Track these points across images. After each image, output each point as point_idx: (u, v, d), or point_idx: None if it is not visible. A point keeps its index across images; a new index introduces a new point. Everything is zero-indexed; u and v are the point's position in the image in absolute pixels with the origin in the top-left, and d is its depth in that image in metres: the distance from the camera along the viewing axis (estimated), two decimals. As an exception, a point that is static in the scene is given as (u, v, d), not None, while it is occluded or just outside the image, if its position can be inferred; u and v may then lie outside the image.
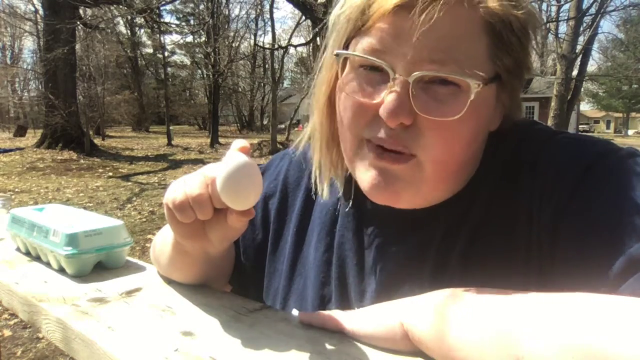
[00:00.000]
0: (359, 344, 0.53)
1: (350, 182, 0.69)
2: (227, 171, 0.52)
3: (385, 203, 0.60)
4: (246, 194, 0.52)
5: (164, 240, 0.75)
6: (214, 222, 0.58)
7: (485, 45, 0.54)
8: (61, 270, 0.82)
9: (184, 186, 0.56)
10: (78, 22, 15.16)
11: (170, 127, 22.62)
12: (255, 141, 18.07)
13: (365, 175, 0.59)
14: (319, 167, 0.69)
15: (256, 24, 37.79)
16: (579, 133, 0.74)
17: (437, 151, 0.55)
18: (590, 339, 0.37)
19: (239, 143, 0.56)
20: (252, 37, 37.39)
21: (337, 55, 0.59)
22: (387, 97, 0.54)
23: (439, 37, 0.52)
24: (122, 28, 35.75)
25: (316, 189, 0.71)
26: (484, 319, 0.45)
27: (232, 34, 32.76)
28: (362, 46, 0.56)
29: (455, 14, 0.51)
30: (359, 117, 0.57)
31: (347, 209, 0.70)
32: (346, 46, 0.59)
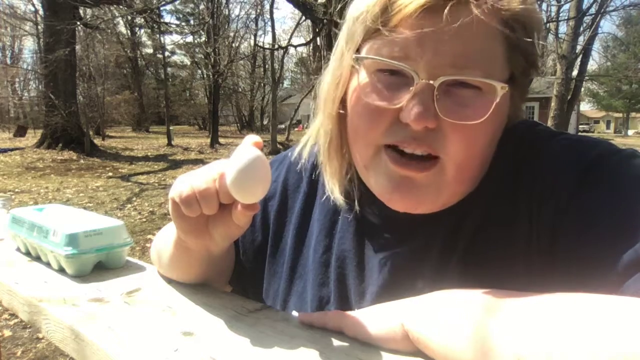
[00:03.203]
0: (359, 344, 0.53)
1: (351, 186, 0.69)
2: (241, 163, 0.52)
3: (406, 210, 0.60)
4: (256, 187, 0.53)
5: (165, 238, 0.75)
6: (218, 219, 0.59)
7: (503, 48, 0.54)
8: (61, 270, 0.82)
9: (190, 180, 0.57)
10: (78, 23, 15.16)
11: (170, 127, 22.60)
12: (256, 141, 18.01)
13: (384, 184, 0.59)
14: (331, 175, 0.68)
15: (256, 24, 37.79)
16: (579, 133, 0.74)
17: (461, 154, 0.55)
18: (591, 340, 0.37)
19: (252, 138, 0.56)
20: (252, 37, 37.38)
21: (356, 59, 0.58)
22: (411, 101, 0.53)
23: (463, 41, 0.51)
24: (122, 28, 35.78)
25: (323, 192, 0.71)
26: (484, 320, 0.45)
27: (232, 34, 32.75)
28: (382, 50, 0.55)
29: (478, 17, 0.51)
30: (377, 123, 0.57)
31: (349, 213, 0.70)
32: (359, 49, 0.58)
